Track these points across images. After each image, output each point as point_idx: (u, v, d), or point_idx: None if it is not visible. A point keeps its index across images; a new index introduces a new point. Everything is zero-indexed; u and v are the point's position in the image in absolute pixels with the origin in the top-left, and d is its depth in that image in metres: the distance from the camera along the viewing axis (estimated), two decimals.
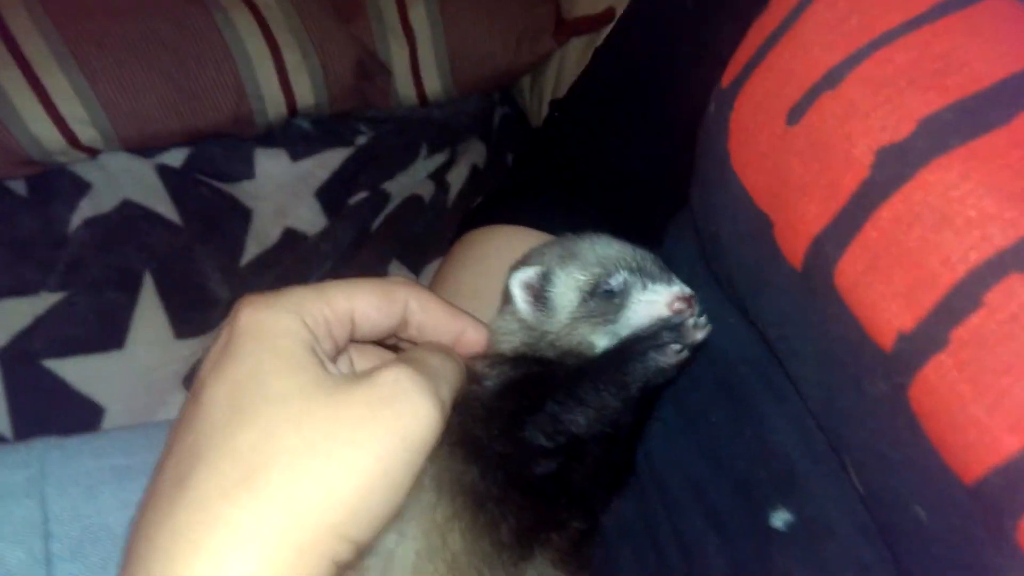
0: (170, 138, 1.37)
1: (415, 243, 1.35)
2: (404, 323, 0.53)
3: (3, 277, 1.15)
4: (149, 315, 1.18)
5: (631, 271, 0.57)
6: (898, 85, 0.41)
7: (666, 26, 0.76)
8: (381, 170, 1.42)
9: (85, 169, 1.29)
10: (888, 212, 0.40)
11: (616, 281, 0.56)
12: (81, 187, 1.27)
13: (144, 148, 1.35)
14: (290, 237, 1.33)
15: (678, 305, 0.54)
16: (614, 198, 0.80)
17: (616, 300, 0.56)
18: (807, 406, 0.47)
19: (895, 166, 0.40)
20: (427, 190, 1.41)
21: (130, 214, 1.27)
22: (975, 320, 0.35)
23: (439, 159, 1.49)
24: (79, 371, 1.11)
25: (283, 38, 1.41)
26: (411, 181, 1.43)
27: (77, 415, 1.08)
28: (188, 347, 1.16)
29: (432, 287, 0.80)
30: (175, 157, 1.37)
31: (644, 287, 0.55)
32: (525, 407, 0.53)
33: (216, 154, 1.39)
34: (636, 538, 0.58)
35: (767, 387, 0.54)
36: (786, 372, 0.50)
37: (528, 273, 0.59)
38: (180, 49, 1.35)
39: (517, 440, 0.52)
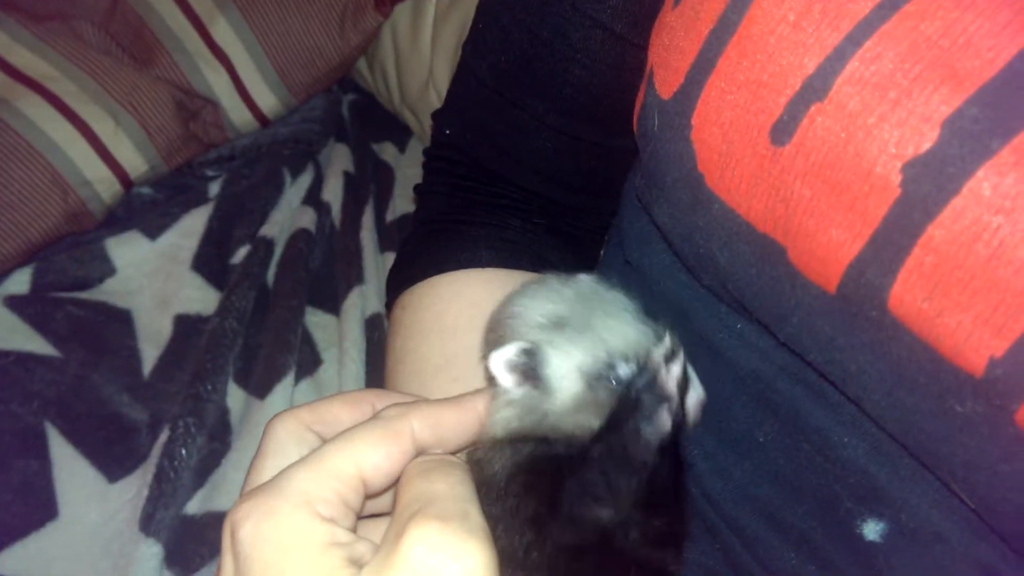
0: (4, 263, 1.20)
1: (321, 282, 1.25)
2: (421, 452, 0.48)
3: None
4: (70, 470, 1.04)
5: (637, 360, 0.50)
6: (901, 85, 0.37)
7: (530, 7, 0.68)
8: (251, 216, 1.29)
9: None
10: (940, 233, 0.36)
11: (624, 373, 0.50)
12: None
13: None
14: (185, 325, 1.20)
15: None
16: (542, 203, 0.74)
17: (614, 386, 0.50)
18: (881, 428, 0.44)
19: (933, 181, 0.36)
20: (308, 219, 1.29)
21: None
22: None
23: (305, 180, 1.36)
24: (22, 561, 0.98)
25: (85, 110, 1.23)
26: (287, 216, 1.31)
27: None
28: (127, 488, 1.04)
29: (391, 368, 0.73)
30: (19, 282, 1.19)
31: (656, 377, 0.49)
32: (544, 505, 0.48)
33: (64, 262, 1.22)
34: None
35: (812, 396, 0.50)
36: (837, 387, 0.46)
37: (508, 352, 0.52)
38: None
39: (547, 542, 0.48)
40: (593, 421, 0.50)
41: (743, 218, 0.45)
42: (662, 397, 0.48)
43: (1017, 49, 0.34)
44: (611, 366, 0.50)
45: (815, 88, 0.39)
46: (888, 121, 0.37)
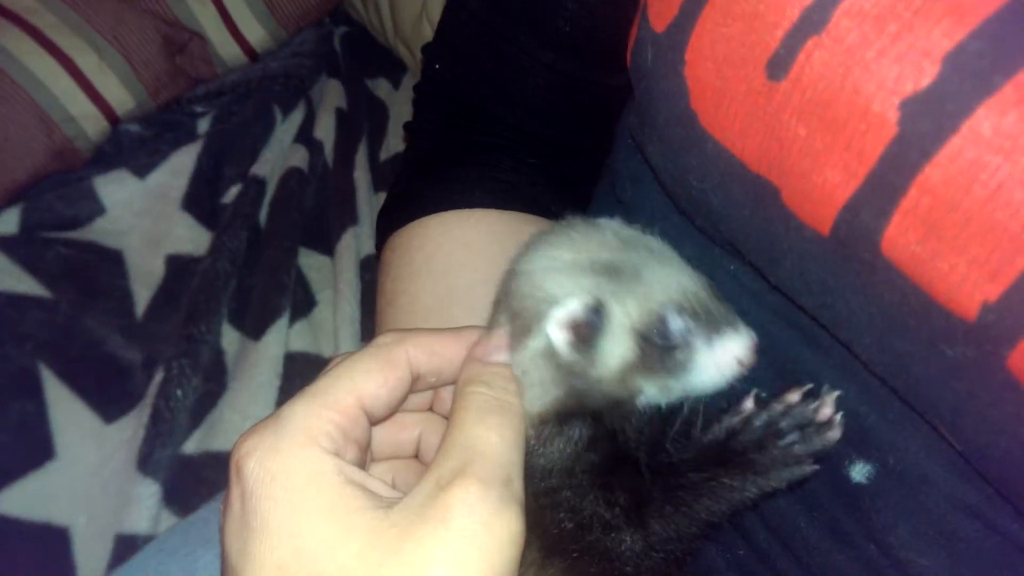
0: None
1: (314, 222, 1.24)
2: (417, 378, 0.48)
3: None
4: (66, 411, 1.05)
5: (693, 315, 0.47)
6: (902, 17, 0.35)
7: None
8: (242, 154, 1.27)
9: None
10: (937, 174, 0.34)
11: (676, 327, 0.47)
12: None
13: None
14: (177, 265, 1.19)
15: (749, 359, 0.47)
16: (535, 143, 0.72)
17: (677, 353, 0.47)
18: (871, 371, 0.44)
19: (931, 118, 0.34)
20: (301, 158, 1.27)
21: None
22: None
23: (297, 117, 1.34)
24: (22, 500, 0.99)
25: (68, 43, 1.20)
26: (279, 154, 1.29)
27: (42, 545, 0.97)
28: (123, 429, 1.05)
29: (382, 307, 0.72)
30: (7, 223, 1.18)
31: (710, 341, 0.47)
32: (618, 514, 0.47)
33: (52, 201, 1.21)
34: (721, 533, 0.55)
35: (803, 339, 0.50)
36: (828, 330, 0.46)
37: (575, 309, 0.47)
38: None
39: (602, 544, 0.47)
40: (641, 384, 0.48)
41: (737, 158, 0.43)
42: (810, 446, 0.46)
43: None
44: (662, 319, 0.47)
45: (813, 20, 0.37)
46: (887, 56, 0.35)
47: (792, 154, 0.40)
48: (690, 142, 0.46)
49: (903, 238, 0.37)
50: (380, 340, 0.48)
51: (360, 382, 0.44)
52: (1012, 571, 0.44)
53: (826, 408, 0.45)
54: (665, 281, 0.48)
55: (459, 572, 0.37)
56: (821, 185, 0.39)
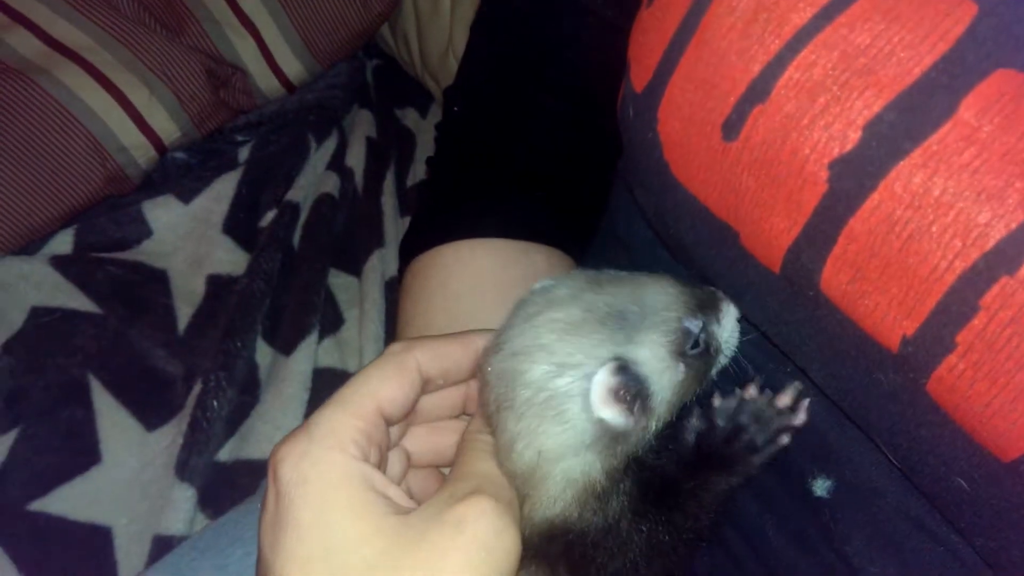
0: (49, 226, 1.27)
1: (343, 244, 1.31)
2: (427, 381, 0.52)
3: None
4: (112, 419, 1.13)
5: (697, 309, 0.49)
6: (831, 91, 0.40)
7: None
8: (278, 181, 1.35)
9: None
10: (860, 225, 0.40)
11: (696, 328, 0.48)
12: None
13: (26, 245, 1.26)
14: (217, 284, 1.27)
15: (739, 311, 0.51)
16: (544, 180, 0.79)
17: (708, 348, 0.49)
18: (823, 392, 0.49)
19: (853, 178, 0.40)
20: (332, 184, 1.35)
21: (45, 321, 1.19)
22: (977, 324, 0.37)
23: (330, 146, 1.42)
24: (69, 501, 1.07)
25: (121, 79, 1.29)
26: (313, 181, 1.37)
27: (86, 544, 1.05)
28: (164, 436, 1.13)
29: (401, 330, 0.79)
30: (63, 243, 1.28)
31: (718, 320, 0.50)
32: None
33: (104, 224, 1.30)
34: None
35: (775, 363, 0.55)
36: (785, 355, 0.51)
37: (606, 380, 0.45)
38: (18, 129, 1.24)
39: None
40: (690, 393, 0.50)
41: (702, 204, 0.49)
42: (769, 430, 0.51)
43: (933, 59, 0.38)
44: (686, 331, 0.48)
45: (758, 90, 0.43)
46: (818, 123, 0.41)
47: (745, 203, 0.46)
48: (664, 188, 0.52)
49: (836, 279, 0.42)
50: (390, 349, 0.52)
51: (378, 388, 0.49)
52: None
53: (785, 397, 0.51)
54: (659, 298, 0.49)
55: (470, 571, 0.41)
56: (769, 230, 0.45)
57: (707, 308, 0.50)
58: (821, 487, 0.53)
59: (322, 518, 0.43)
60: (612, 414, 0.45)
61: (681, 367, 0.48)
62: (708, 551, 0.60)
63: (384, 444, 0.49)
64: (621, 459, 0.47)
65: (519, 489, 0.48)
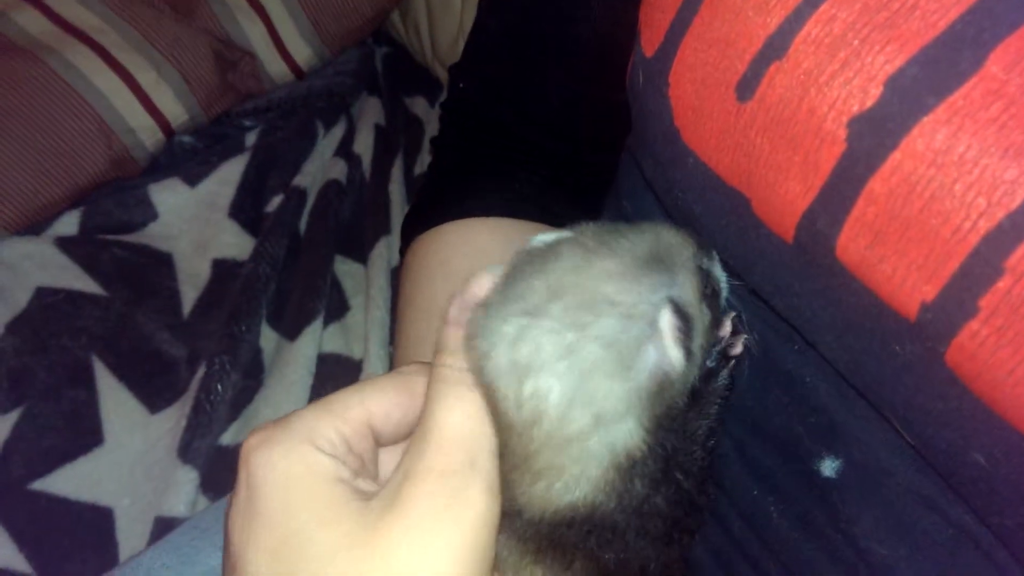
0: (55, 206, 1.27)
1: (349, 231, 1.30)
2: None
3: None
4: (115, 400, 1.13)
5: (701, 250, 0.48)
6: (852, 45, 0.39)
7: None
8: (285, 166, 1.34)
9: None
10: (880, 186, 0.38)
11: (707, 266, 0.48)
12: None
13: (32, 225, 1.26)
14: (222, 268, 1.26)
15: None
16: (549, 157, 0.77)
17: (711, 290, 0.48)
18: (834, 368, 0.47)
19: (874, 136, 0.38)
20: (339, 171, 1.34)
21: (50, 302, 1.19)
22: (1002, 286, 0.35)
23: (338, 132, 1.41)
24: (70, 481, 1.07)
25: (129, 60, 1.29)
26: (319, 167, 1.36)
27: (87, 524, 1.05)
28: (167, 419, 1.12)
29: (402, 308, 0.77)
30: (68, 224, 1.27)
31: (711, 257, 0.49)
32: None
33: (109, 206, 1.29)
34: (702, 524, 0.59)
35: (781, 340, 0.53)
36: (802, 335, 0.50)
37: (670, 320, 0.43)
38: (25, 109, 1.23)
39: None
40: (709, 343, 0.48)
41: (714, 171, 0.48)
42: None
43: (959, 12, 0.36)
44: (705, 272, 0.47)
45: (775, 47, 0.41)
46: (838, 79, 0.39)
47: (759, 168, 0.44)
48: (675, 157, 0.51)
49: (854, 243, 0.40)
50: (403, 368, 0.50)
51: (371, 399, 0.47)
52: (964, 561, 0.46)
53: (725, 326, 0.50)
54: (675, 239, 0.47)
55: (422, 558, 0.40)
56: (783, 195, 0.43)
57: (704, 248, 0.49)
58: (829, 468, 0.52)
59: (287, 505, 0.42)
60: (678, 356, 0.43)
61: (705, 307, 0.46)
62: (709, 534, 0.59)
63: (368, 457, 0.47)
64: (654, 422, 0.44)
65: (533, 467, 0.44)
